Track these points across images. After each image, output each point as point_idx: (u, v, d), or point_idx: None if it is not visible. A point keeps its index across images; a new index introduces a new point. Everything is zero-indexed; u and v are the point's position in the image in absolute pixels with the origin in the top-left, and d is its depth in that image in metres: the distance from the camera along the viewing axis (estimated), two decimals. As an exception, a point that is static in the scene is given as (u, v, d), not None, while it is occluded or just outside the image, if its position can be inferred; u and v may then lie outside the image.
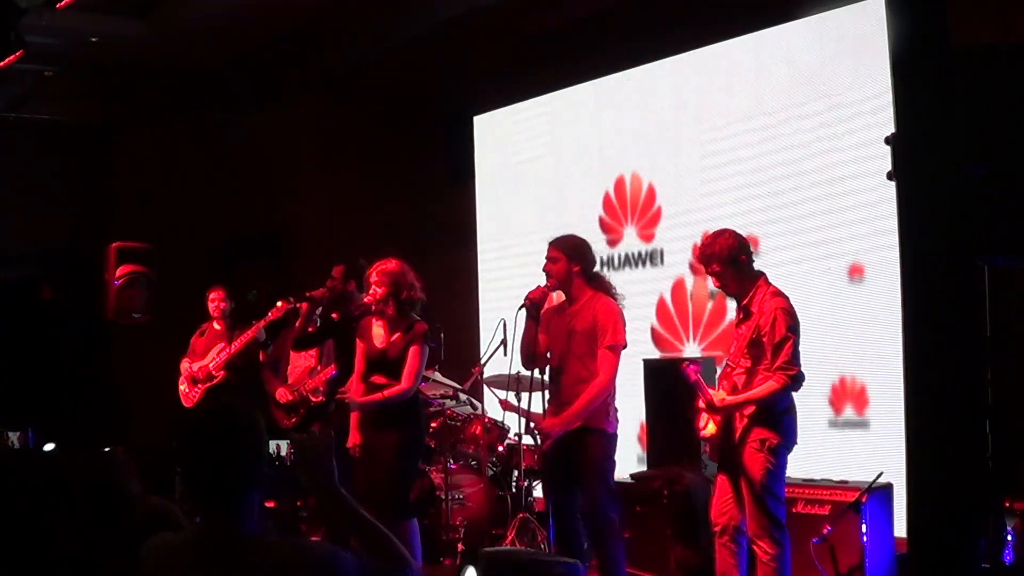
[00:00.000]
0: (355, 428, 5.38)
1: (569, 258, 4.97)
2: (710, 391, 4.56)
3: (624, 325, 4.93)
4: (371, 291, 5.35)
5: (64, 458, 3.09)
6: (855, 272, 5.85)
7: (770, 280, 4.62)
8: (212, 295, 7.48)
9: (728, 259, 4.55)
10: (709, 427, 4.60)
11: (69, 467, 2.96)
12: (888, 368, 5.53)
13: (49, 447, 4.58)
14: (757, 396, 4.46)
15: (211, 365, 7.30)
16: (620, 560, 4.89)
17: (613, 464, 4.96)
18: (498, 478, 6.46)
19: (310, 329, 5.98)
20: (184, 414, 7.54)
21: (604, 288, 5.02)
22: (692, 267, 6.71)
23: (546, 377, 5.19)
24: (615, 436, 4.95)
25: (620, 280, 5.61)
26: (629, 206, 7.26)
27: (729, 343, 4.83)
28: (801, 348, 4.54)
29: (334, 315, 5.88)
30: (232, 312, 7.51)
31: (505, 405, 6.28)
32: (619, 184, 7.32)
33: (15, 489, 2.87)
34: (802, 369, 4.46)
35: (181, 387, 7.51)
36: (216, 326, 7.50)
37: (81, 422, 8.83)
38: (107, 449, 3.46)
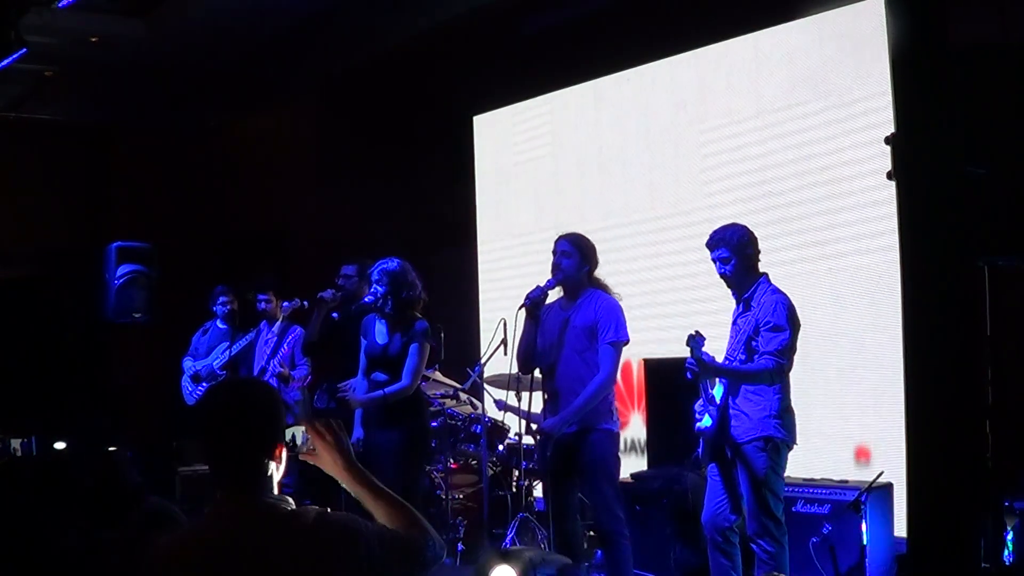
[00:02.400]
0: (358, 425, 5.41)
1: (583, 256, 4.95)
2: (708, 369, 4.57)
3: (625, 322, 4.92)
4: (371, 289, 5.38)
5: (69, 458, 3.10)
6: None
7: (772, 282, 4.64)
8: (222, 297, 7.50)
9: (737, 246, 4.58)
10: (705, 419, 4.61)
11: (71, 466, 2.97)
12: (888, 367, 5.54)
13: (60, 445, 4.56)
14: (745, 371, 4.49)
15: (215, 364, 7.31)
16: (628, 559, 4.88)
17: (618, 462, 4.96)
18: (498, 478, 6.45)
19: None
20: (187, 412, 7.56)
21: (603, 287, 5.02)
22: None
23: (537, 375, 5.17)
24: (619, 435, 4.95)
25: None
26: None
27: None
28: (802, 347, 4.55)
29: (334, 315, 5.89)
30: (235, 312, 7.53)
31: (500, 405, 6.27)
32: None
33: (16, 489, 2.87)
34: (791, 363, 4.48)
35: (184, 385, 7.52)
36: (220, 325, 7.52)
37: (81, 423, 8.83)
38: (111, 449, 3.47)
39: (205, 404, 2.39)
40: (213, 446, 2.31)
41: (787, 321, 4.47)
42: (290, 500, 2.31)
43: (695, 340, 4.50)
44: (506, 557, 4.12)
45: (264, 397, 2.37)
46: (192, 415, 7.58)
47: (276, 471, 2.33)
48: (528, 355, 5.04)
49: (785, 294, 4.57)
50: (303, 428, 2.46)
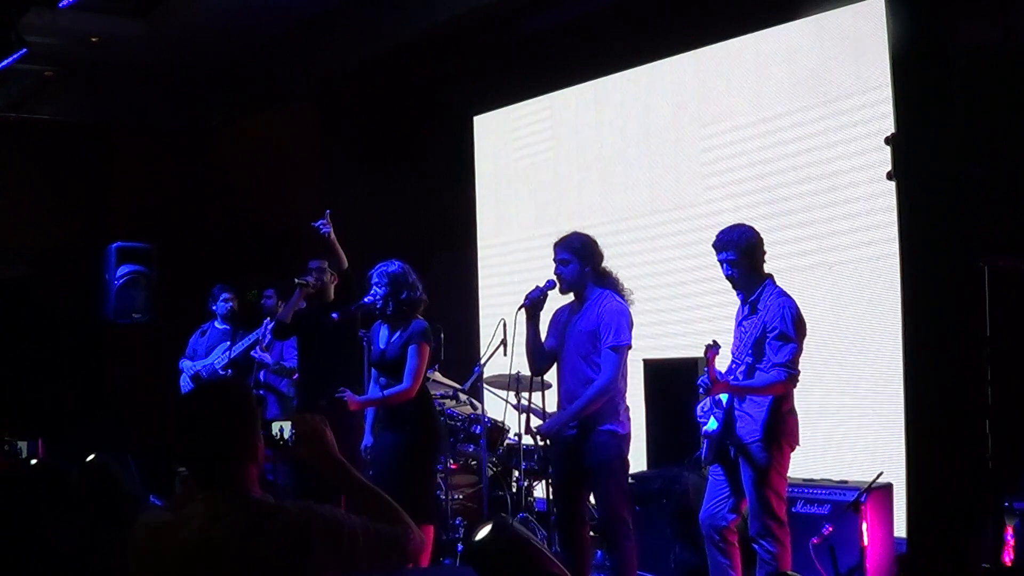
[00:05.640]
0: (368, 431, 5.41)
1: (581, 259, 4.92)
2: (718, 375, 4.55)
3: (630, 326, 4.88)
4: (371, 291, 5.35)
5: (66, 464, 3.10)
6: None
7: (777, 284, 4.63)
8: (224, 295, 7.49)
9: (745, 249, 4.56)
10: (711, 422, 4.61)
11: (70, 469, 2.97)
12: (888, 368, 5.54)
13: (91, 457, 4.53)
14: (758, 386, 4.47)
15: (217, 364, 7.30)
16: (632, 561, 4.87)
17: (626, 464, 4.93)
18: (498, 478, 6.46)
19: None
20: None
21: (612, 286, 4.97)
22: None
23: (548, 378, 5.17)
24: (627, 436, 4.91)
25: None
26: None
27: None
28: (803, 348, 4.54)
29: (335, 315, 5.86)
30: (236, 311, 7.53)
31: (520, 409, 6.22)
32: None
33: (16, 491, 2.87)
34: (799, 371, 4.48)
35: (183, 386, 7.50)
36: (218, 325, 7.51)
37: (81, 423, 8.83)
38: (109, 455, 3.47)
39: (181, 407, 2.42)
40: (190, 448, 2.34)
41: (794, 329, 4.45)
42: (270, 497, 2.34)
43: (712, 350, 4.49)
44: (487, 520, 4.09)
45: (238, 398, 2.40)
46: (175, 411, 7.57)
47: (255, 469, 2.35)
48: (533, 356, 5.03)
49: (791, 298, 4.55)
50: (289, 423, 2.48)
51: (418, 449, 5.29)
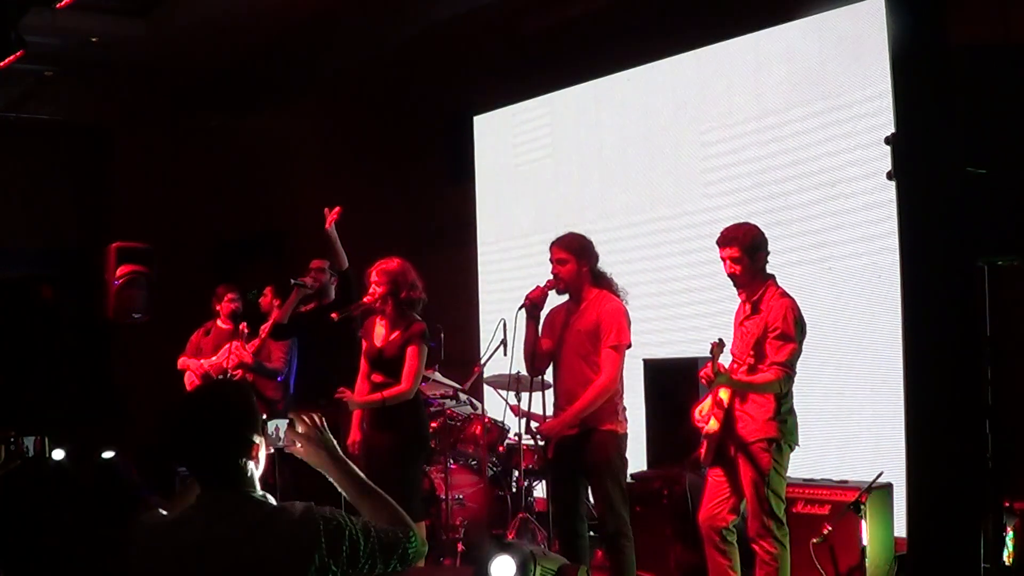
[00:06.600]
0: (355, 426, 5.39)
1: (578, 258, 4.93)
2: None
3: (629, 325, 4.90)
4: (371, 289, 5.35)
5: (72, 463, 3.11)
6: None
7: (778, 284, 4.63)
8: (229, 295, 7.51)
9: (749, 247, 4.56)
10: (712, 423, 4.61)
11: (73, 469, 2.98)
12: (888, 368, 5.53)
13: (59, 455, 4.56)
14: (756, 382, 4.48)
15: (225, 363, 7.31)
16: (631, 560, 4.88)
17: (625, 463, 4.94)
18: (498, 478, 6.46)
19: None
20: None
21: (607, 286, 4.99)
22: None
23: (548, 378, 5.18)
24: (625, 436, 4.93)
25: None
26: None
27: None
28: (803, 348, 4.55)
29: (334, 315, 5.87)
30: (240, 311, 7.55)
31: (516, 411, 6.25)
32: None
33: (18, 490, 2.87)
34: (795, 372, 4.49)
35: (190, 384, 7.50)
36: (221, 324, 7.53)
37: (81, 423, 8.83)
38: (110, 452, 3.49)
39: (183, 406, 2.42)
40: (192, 447, 2.34)
41: (795, 329, 4.47)
42: (271, 498, 2.34)
43: (718, 348, 4.49)
44: (506, 548, 4.12)
45: (239, 398, 2.40)
46: (176, 410, 7.58)
47: (256, 470, 2.35)
48: (532, 356, 5.03)
49: (792, 298, 4.56)
50: (285, 422, 2.47)
51: (409, 449, 5.30)
